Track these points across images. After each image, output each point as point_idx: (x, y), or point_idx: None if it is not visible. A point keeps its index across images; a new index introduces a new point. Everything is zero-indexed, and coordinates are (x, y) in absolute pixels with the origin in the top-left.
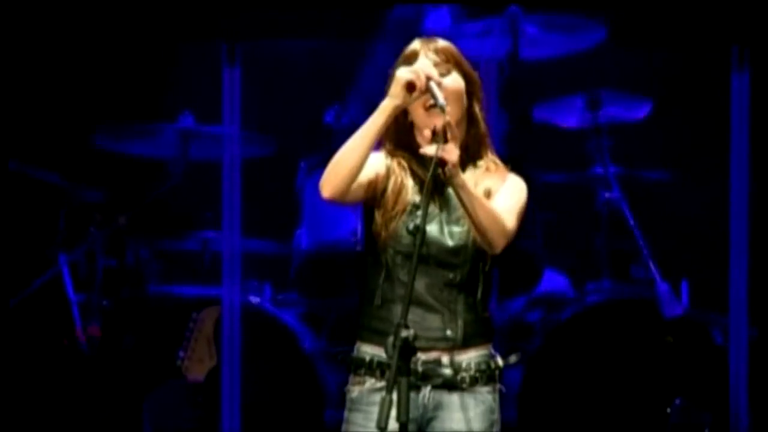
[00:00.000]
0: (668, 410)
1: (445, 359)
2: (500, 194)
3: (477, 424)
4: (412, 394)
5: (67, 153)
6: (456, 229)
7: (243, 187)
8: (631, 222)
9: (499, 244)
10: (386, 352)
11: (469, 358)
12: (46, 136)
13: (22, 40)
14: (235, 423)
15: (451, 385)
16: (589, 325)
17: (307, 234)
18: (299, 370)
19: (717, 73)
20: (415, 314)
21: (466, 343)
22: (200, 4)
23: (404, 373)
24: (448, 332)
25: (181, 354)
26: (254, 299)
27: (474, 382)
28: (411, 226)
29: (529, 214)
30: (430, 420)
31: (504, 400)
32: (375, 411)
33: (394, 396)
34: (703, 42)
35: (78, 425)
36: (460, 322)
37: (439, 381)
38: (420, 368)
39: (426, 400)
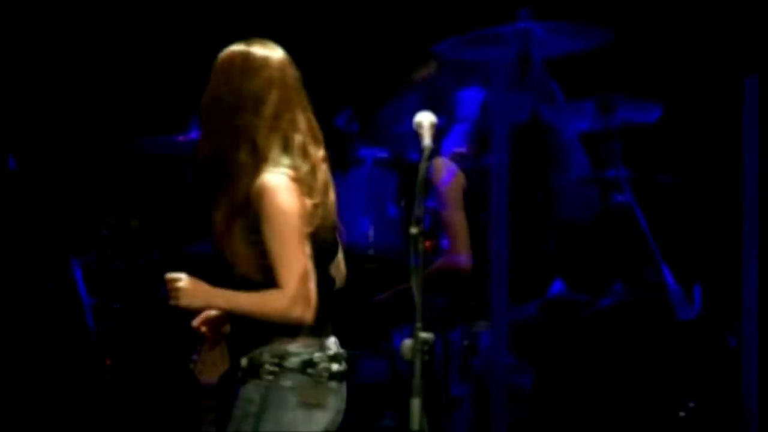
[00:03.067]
0: (681, 413)
1: None
2: (268, 248)
3: None
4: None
5: (87, 154)
6: None
7: None
8: (644, 225)
9: (294, 316)
10: (403, 355)
11: None
12: (61, 139)
13: (61, 46)
14: None
15: None
16: (601, 328)
17: None
18: None
19: (728, 75)
20: None
21: None
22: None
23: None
24: None
25: (195, 357)
26: None
27: None
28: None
29: (543, 218)
30: None
31: (516, 401)
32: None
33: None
34: (714, 47)
35: (91, 428)
36: None
37: None
38: None
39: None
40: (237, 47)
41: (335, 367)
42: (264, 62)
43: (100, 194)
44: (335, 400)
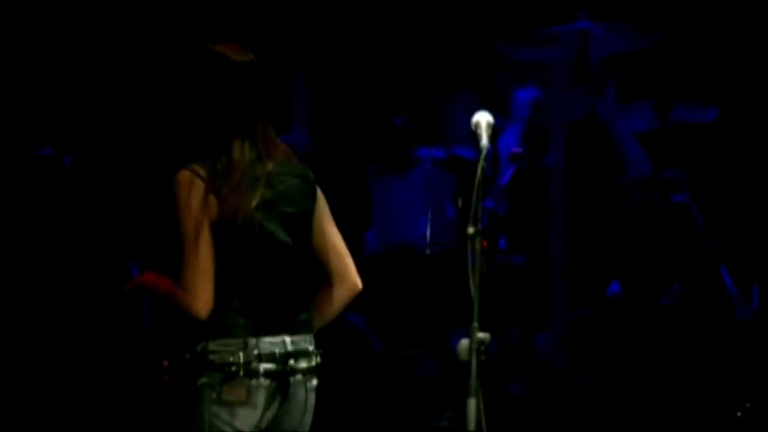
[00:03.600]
0: (738, 413)
1: None
2: None
3: None
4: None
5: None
6: None
7: None
8: (702, 225)
9: (186, 308)
10: (460, 355)
11: None
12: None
13: (123, 46)
14: None
15: None
16: (660, 328)
17: (376, 236)
18: (369, 372)
19: None
20: None
21: None
22: None
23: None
24: None
25: None
26: None
27: None
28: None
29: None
30: None
31: (570, 400)
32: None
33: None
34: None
35: (147, 427)
36: None
37: None
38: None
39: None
40: (200, 48)
41: (264, 366)
42: (219, 63)
43: (158, 194)
44: (265, 399)
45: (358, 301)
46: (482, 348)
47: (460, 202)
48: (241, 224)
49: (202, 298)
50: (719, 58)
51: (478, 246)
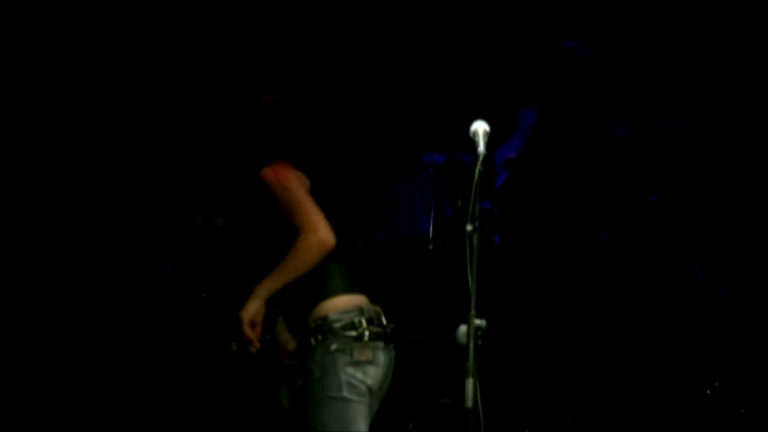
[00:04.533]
0: (708, 392)
1: None
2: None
3: None
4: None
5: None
6: None
7: None
8: (677, 224)
9: (319, 239)
10: (459, 340)
11: None
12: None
13: (169, 53)
14: None
15: None
16: (637, 317)
17: (385, 233)
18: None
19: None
20: None
21: None
22: None
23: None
24: None
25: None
26: None
27: None
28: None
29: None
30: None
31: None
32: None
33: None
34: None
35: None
36: None
37: None
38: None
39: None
40: (280, 101)
41: (374, 328)
42: (295, 108)
43: (189, 194)
44: (384, 357)
45: (367, 290)
46: (479, 333)
47: (459, 203)
48: (329, 202)
49: (326, 229)
50: (694, 74)
51: (475, 241)
